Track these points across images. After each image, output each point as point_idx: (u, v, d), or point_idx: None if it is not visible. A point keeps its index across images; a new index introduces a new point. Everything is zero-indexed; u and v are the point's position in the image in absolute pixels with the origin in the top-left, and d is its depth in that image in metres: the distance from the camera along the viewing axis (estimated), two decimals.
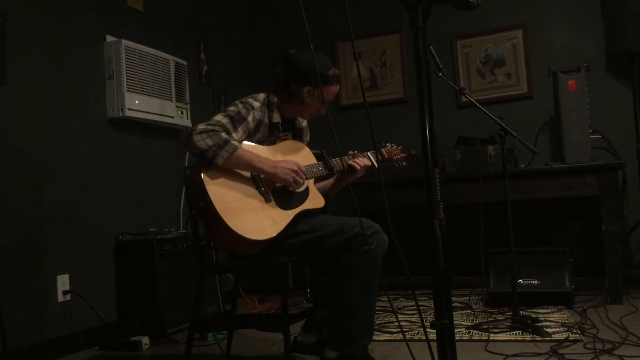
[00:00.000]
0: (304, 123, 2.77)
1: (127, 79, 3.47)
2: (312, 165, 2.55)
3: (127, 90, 3.47)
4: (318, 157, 2.64)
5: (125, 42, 3.49)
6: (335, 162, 2.61)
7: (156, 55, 3.73)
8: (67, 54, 3.25)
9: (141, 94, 3.57)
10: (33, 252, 2.97)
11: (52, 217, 3.08)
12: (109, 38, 3.53)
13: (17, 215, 2.89)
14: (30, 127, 3.00)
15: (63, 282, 3.09)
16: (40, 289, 2.98)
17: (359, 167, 2.61)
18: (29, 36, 3.02)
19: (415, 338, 2.97)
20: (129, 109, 3.47)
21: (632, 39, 3.87)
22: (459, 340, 2.82)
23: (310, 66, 2.44)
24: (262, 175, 2.41)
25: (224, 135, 2.30)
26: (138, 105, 3.54)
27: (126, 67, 3.47)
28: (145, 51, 3.64)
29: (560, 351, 2.51)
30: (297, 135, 2.70)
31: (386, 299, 3.88)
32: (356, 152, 2.67)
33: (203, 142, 2.27)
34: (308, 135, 2.79)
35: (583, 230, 4.22)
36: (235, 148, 2.30)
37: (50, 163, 3.09)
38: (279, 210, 2.39)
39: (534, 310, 3.39)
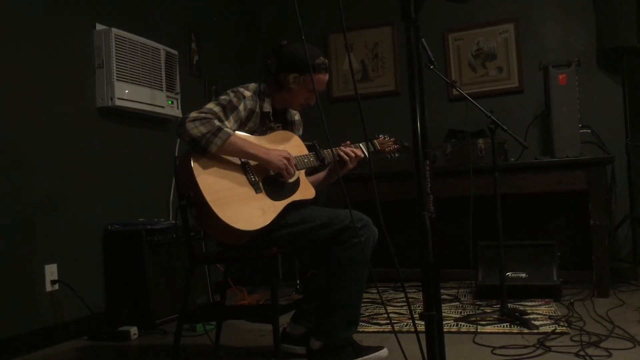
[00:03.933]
0: (297, 116, 2.76)
1: (117, 68, 3.44)
2: (304, 156, 2.55)
3: (117, 80, 3.44)
4: (310, 148, 2.63)
5: (115, 31, 3.45)
6: (327, 153, 2.60)
7: (146, 45, 3.70)
8: (56, 42, 3.22)
9: (131, 83, 3.55)
10: (21, 241, 2.95)
11: (41, 206, 3.06)
12: (99, 26, 3.50)
13: (5, 204, 2.87)
14: (18, 116, 2.97)
15: (51, 271, 3.08)
16: (28, 278, 2.96)
17: (347, 158, 2.60)
18: (17, 23, 2.99)
19: (404, 330, 2.98)
20: (118, 99, 3.44)
21: (623, 34, 3.89)
22: (447, 332, 2.84)
23: (297, 54, 2.45)
24: (254, 163, 2.41)
25: (217, 122, 2.30)
26: (128, 94, 3.52)
27: (116, 56, 3.44)
28: (136, 40, 3.61)
29: (547, 343, 2.53)
30: (288, 128, 2.69)
31: (375, 291, 3.90)
32: (349, 142, 2.67)
33: (196, 129, 2.26)
34: (301, 129, 2.78)
35: (571, 224, 4.25)
36: (229, 135, 2.30)
37: (38, 152, 3.06)
38: (268, 201, 2.38)
39: (522, 303, 3.42)
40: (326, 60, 2.53)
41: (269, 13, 5.07)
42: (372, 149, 2.77)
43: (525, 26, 4.39)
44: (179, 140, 3.88)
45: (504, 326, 2.91)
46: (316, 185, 2.64)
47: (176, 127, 2.33)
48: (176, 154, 3.95)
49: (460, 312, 3.28)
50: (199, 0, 4.63)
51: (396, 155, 2.89)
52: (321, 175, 2.76)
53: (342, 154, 2.61)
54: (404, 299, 3.71)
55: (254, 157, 2.38)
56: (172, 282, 3.44)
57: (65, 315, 3.13)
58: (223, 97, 2.42)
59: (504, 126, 3.00)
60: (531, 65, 4.27)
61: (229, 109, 2.38)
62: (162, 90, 3.82)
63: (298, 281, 4.24)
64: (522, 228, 4.23)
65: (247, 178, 2.38)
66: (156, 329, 3.24)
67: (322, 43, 4.84)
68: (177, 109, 3.97)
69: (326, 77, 2.55)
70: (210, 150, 2.27)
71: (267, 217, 2.33)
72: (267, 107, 2.53)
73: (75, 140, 3.30)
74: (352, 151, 2.62)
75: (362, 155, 2.66)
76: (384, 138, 2.87)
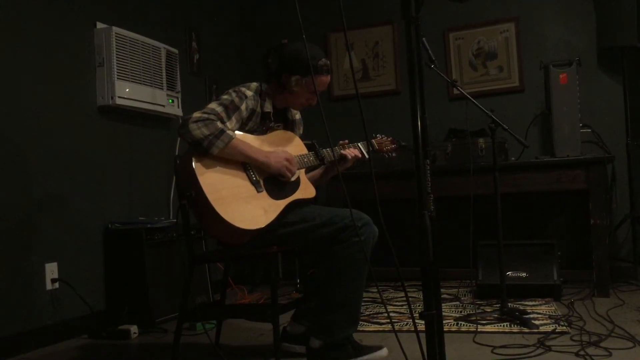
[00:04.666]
0: (297, 115, 2.76)
1: (117, 66, 3.44)
2: (303, 155, 2.55)
3: (118, 78, 3.44)
4: (309, 147, 2.64)
5: (115, 29, 3.45)
6: (326, 152, 2.61)
7: (147, 43, 3.70)
8: (56, 41, 3.22)
9: (132, 82, 3.54)
10: (21, 240, 2.95)
11: (41, 205, 3.06)
12: (100, 25, 3.49)
13: (5, 203, 2.87)
14: (18, 114, 2.97)
15: (51, 270, 3.08)
16: (28, 277, 2.96)
17: (349, 157, 2.62)
18: (17, 22, 2.99)
19: (404, 329, 2.98)
20: (119, 97, 3.44)
21: (624, 34, 3.88)
22: (447, 331, 2.84)
23: (300, 56, 2.43)
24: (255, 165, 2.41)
25: (219, 124, 2.30)
26: (128, 93, 3.52)
27: (117, 54, 3.44)
28: (136, 39, 3.61)
29: (547, 343, 2.53)
30: (289, 127, 2.69)
31: (375, 290, 3.90)
32: (346, 141, 2.68)
33: (199, 131, 2.26)
34: (301, 128, 2.78)
35: (571, 223, 4.25)
36: (231, 138, 2.30)
37: (39, 151, 3.06)
38: (270, 200, 2.38)
39: (522, 302, 3.42)
40: (328, 62, 2.53)
41: (270, 11, 5.07)
42: (370, 148, 2.77)
43: (525, 25, 4.39)
44: (179, 139, 3.88)
45: (504, 325, 2.91)
46: (312, 183, 2.65)
47: (178, 127, 2.33)
48: (176, 153, 3.95)
49: (460, 312, 3.28)
50: None
51: (393, 154, 2.90)
52: (317, 173, 2.77)
53: (344, 153, 2.62)
54: (404, 298, 3.71)
55: (254, 160, 2.38)
56: (172, 281, 3.44)
57: (65, 314, 3.13)
58: (225, 96, 2.42)
59: (504, 125, 3.00)
60: (532, 65, 4.27)
61: (231, 109, 2.38)
62: (162, 89, 3.82)
63: (298, 280, 4.24)
64: (522, 227, 4.23)
65: (249, 177, 2.39)
66: (156, 327, 3.24)
67: (322, 42, 4.84)
68: (178, 107, 3.97)
69: (328, 78, 2.55)
70: (212, 152, 2.28)
71: (269, 216, 2.34)
72: (268, 107, 2.53)
73: (75, 139, 3.30)
74: (352, 151, 2.63)
75: (360, 156, 2.67)
76: (382, 138, 2.88)
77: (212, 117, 2.30)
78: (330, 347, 2.39)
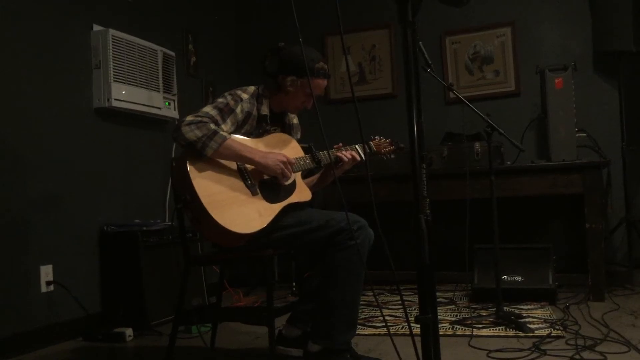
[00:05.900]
0: (295, 120, 2.75)
1: (114, 68, 3.44)
2: (300, 158, 2.54)
3: (114, 81, 3.44)
4: (306, 150, 2.63)
5: (112, 32, 3.45)
6: (323, 155, 2.60)
7: (144, 46, 3.69)
8: (53, 43, 3.21)
9: (128, 84, 3.54)
10: (16, 241, 2.94)
11: (36, 207, 3.05)
12: (96, 27, 3.49)
13: (0, 204, 2.86)
14: (15, 116, 2.96)
15: (46, 272, 3.07)
16: (23, 279, 2.95)
17: (346, 159, 2.60)
18: (14, 23, 2.98)
19: (400, 332, 2.98)
20: (115, 99, 3.44)
21: (619, 38, 3.90)
22: (442, 335, 2.84)
23: (297, 58, 2.43)
24: (250, 167, 2.41)
25: (212, 126, 2.29)
26: (125, 95, 3.51)
27: (113, 56, 3.44)
28: (133, 41, 3.61)
29: (543, 347, 2.53)
30: (286, 131, 2.69)
31: (371, 293, 3.89)
32: (340, 145, 2.67)
33: (192, 133, 2.25)
34: (299, 133, 2.77)
35: (567, 227, 4.26)
36: (225, 139, 2.29)
37: (35, 153, 3.05)
38: (265, 204, 2.38)
39: (517, 306, 3.42)
40: (326, 66, 2.52)
41: (267, 14, 5.07)
42: (368, 150, 2.77)
43: (522, 30, 4.40)
44: None
45: (499, 329, 2.91)
46: (310, 187, 2.64)
47: (172, 131, 2.32)
48: (172, 155, 3.94)
49: (456, 315, 3.29)
50: (197, 2, 4.63)
51: (392, 156, 2.89)
52: (315, 177, 2.76)
53: (340, 155, 2.60)
54: (400, 302, 3.71)
55: (250, 161, 2.37)
56: (167, 284, 3.43)
57: (60, 316, 3.12)
58: (220, 100, 2.42)
59: (500, 129, 3.00)
60: (528, 69, 4.28)
61: (225, 112, 2.38)
62: (159, 91, 3.81)
63: (294, 283, 4.23)
64: (518, 231, 4.23)
65: (244, 181, 2.38)
66: (151, 330, 3.23)
67: (319, 45, 4.84)
68: (174, 110, 3.97)
69: (325, 82, 2.54)
70: (206, 153, 2.27)
71: (264, 219, 2.33)
72: (265, 110, 2.53)
73: (71, 141, 3.29)
74: (350, 154, 2.62)
75: (359, 158, 2.66)
76: (380, 139, 2.86)
77: (205, 119, 2.29)
78: (329, 352, 2.38)
